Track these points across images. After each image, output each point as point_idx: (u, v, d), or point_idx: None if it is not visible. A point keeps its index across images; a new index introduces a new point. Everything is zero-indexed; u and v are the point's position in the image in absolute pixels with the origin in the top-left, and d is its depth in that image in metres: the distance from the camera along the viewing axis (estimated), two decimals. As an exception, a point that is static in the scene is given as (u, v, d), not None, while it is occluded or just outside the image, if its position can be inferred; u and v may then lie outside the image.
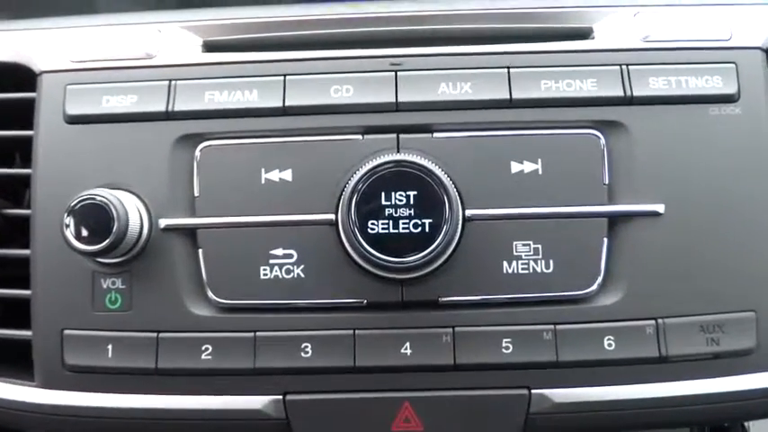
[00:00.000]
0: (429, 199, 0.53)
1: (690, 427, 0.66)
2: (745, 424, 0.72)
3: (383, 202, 0.53)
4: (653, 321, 0.57)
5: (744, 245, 0.58)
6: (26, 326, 0.62)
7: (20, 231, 0.64)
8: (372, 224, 0.53)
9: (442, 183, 0.53)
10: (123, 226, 0.56)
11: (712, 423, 0.64)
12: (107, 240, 0.55)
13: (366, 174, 0.53)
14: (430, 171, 0.54)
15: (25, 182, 0.64)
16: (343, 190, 0.55)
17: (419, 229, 0.53)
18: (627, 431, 0.62)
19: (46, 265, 0.60)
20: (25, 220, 0.63)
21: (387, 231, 0.53)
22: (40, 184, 0.61)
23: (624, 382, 0.57)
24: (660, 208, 0.58)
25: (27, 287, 0.61)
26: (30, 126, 0.64)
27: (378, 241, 0.53)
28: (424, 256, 0.52)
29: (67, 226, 0.55)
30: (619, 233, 0.58)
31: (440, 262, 0.57)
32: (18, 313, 0.63)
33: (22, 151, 0.68)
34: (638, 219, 0.58)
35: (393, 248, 0.53)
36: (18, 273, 0.63)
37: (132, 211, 0.58)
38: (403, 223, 0.53)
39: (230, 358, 0.58)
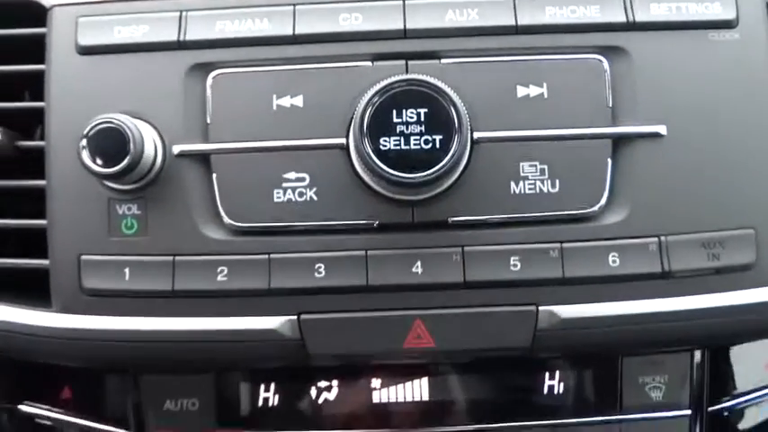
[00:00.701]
0: (439, 116, 0.55)
1: (691, 347, 0.68)
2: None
3: (394, 119, 0.54)
4: (656, 239, 0.59)
5: (743, 165, 0.60)
6: (43, 257, 0.63)
7: (33, 165, 0.65)
8: (384, 140, 0.54)
9: (451, 100, 0.55)
10: (139, 149, 0.57)
11: (714, 341, 0.65)
12: (123, 162, 0.56)
13: (379, 91, 0.55)
14: (440, 89, 0.55)
15: (37, 116, 0.65)
16: (354, 111, 0.57)
17: (429, 145, 0.54)
18: (631, 350, 0.64)
19: (62, 193, 0.61)
20: (38, 154, 0.64)
21: (398, 148, 0.54)
22: (54, 115, 0.62)
23: (628, 298, 0.59)
24: (662, 129, 0.60)
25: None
26: (40, 62, 0.65)
27: (389, 158, 0.54)
28: (434, 172, 0.54)
29: (84, 148, 0.56)
30: (622, 154, 0.60)
31: (449, 182, 0.59)
32: (33, 250, 0.65)
33: (32, 88, 0.69)
34: (641, 140, 0.60)
35: (404, 165, 0.54)
36: (31, 209, 0.65)
37: (147, 137, 0.59)
38: (414, 140, 0.54)
39: (245, 279, 0.59)
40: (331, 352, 0.60)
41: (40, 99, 0.64)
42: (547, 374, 0.70)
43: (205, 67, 0.61)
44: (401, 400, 0.71)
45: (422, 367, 0.70)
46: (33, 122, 0.68)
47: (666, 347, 0.64)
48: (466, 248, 0.59)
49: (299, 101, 0.60)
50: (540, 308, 0.59)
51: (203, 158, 0.60)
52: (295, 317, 0.60)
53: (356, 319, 0.60)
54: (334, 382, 0.70)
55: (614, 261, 0.59)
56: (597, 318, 0.60)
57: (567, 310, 0.59)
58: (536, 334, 0.60)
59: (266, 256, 0.60)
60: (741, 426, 0.72)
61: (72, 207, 0.61)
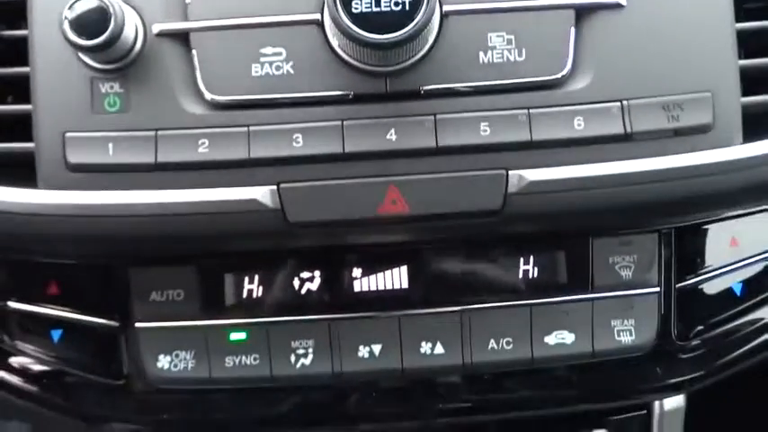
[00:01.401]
0: (408, -19, 0.58)
1: (656, 218, 0.71)
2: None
3: (366, -14, 0.57)
4: (618, 103, 0.62)
5: (700, 32, 0.63)
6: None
7: (16, 59, 0.67)
8: (356, 3, 0.57)
9: None
10: (120, 23, 0.59)
11: (677, 211, 0.68)
12: (104, 35, 0.58)
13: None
14: None
15: (20, 11, 0.67)
16: None
17: (399, 7, 0.56)
18: (598, 219, 0.67)
19: (46, 76, 0.63)
20: (22, 46, 0.66)
21: (369, 10, 0.57)
22: (36, 4, 0.64)
23: (593, 161, 0.62)
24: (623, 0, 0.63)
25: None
26: None
27: (361, 21, 0.56)
28: (405, 32, 0.56)
29: (66, 19, 0.58)
30: (585, 24, 0.62)
31: (421, 54, 0.61)
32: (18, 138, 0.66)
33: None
34: (602, 10, 0.62)
35: (375, 28, 0.57)
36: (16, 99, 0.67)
37: (128, 16, 0.61)
38: (384, 2, 0.57)
39: (226, 150, 0.61)
40: (310, 219, 0.62)
41: None
42: (521, 258, 0.73)
43: None
44: (382, 287, 0.74)
45: (400, 255, 0.72)
46: (16, 18, 0.70)
47: (633, 215, 0.67)
48: (438, 116, 0.62)
49: (275, -22, 0.63)
50: (510, 172, 0.62)
51: (183, 37, 0.62)
52: (275, 186, 0.62)
53: (333, 186, 0.61)
54: (316, 273, 0.73)
55: (579, 124, 0.62)
56: (563, 180, 0.62)
57: (536, 174, 0.62)
58: (506, 197, 0.62)
59: (245, 128, 0.61)
60: (707, 302, 0.75)
61: (56, 88, 0.63)
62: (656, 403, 0.79)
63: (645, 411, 0.79)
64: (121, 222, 0.63)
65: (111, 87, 0.63)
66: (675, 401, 0.79)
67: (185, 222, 0.63)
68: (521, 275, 0.73)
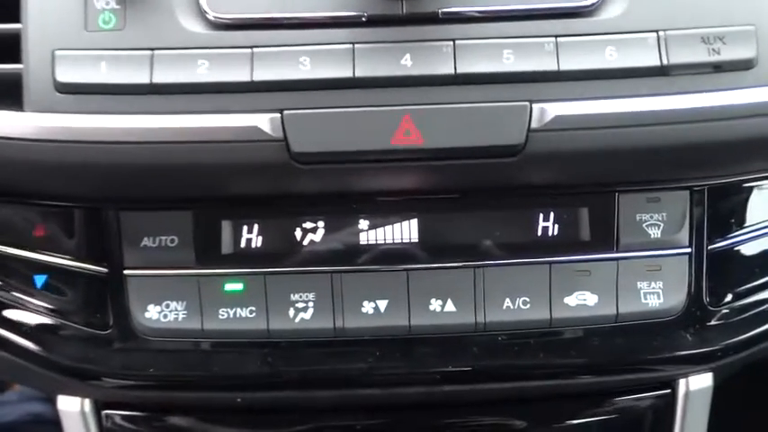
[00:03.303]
0: None
1: (688, 171, 0.65)
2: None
3: None
4: (654, 33, 0.57)
5: (743, -38, 0.59)
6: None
7: None
8: None
9: None
10: (118, -69, 0.55)
11: (713, 147, 0.61)
12: (101, -59, 0.55)
13: None
14: None
15: None
16: None
17: None
18: (627, 164, 0.62)
19: (36, -8, 0.60)
20: None
21: None
22: None
23: (625, 96, 0.57)
24: None
25: None
26: None
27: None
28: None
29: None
30: None
31: None
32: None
33: None
34: (639, -66, 0.59)
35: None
36: None
37: None
38: None
39: (226, 72, 0.56)
40: (315, 150, 0.57)
41: None
42: (541, 213, 0.68)
43: None
44: (389, 240, 0.68)
45: (410, 206, 0.67)
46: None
47: (664, 162, 0.62)
48: (457, 41, 0.57)
49: None
50: (534, 104, 0.57)
51: None
52: (278, 113, 0.57)
53: (342, 114, 0.57)
54: (320, 223, 0.68)
55: (611, 55, 0.56)
56: (592, 116, 0.57)
57: (562, 108, 0.57)
58: (529, 133, 0.58)
59: (249, 49, 0.57)
60: (741, 266, 0.69)
61: (48, 4, 0.58)
62: (681, 381, 0.73)
63: (669, 390, 0.74)
64: (112, 150, 0.58)
65: (107, 3, 0.58)
66: (702, 380, 0.73)
67: (180, 152, 0.58)
68: (540, 231, 0.67)
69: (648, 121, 0.57)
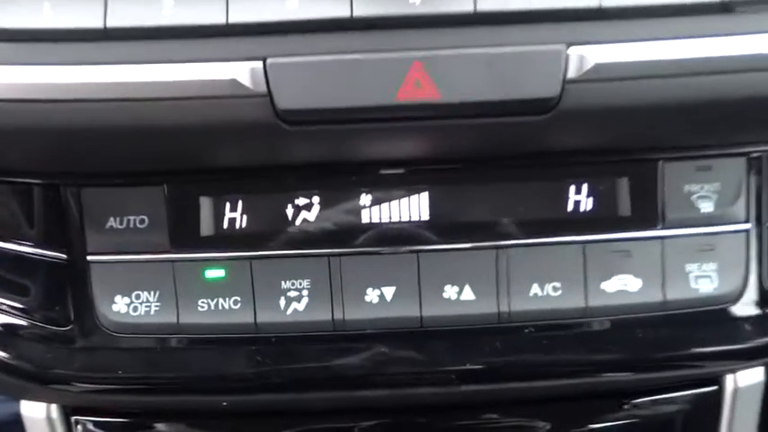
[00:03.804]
0: None
1: (747, 133, 0.56)
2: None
3: None
4: None
5: None
6: None
7: None
8: None
9: None
10: None
11: None
12: None
13: None
14: None
15: None
16: None
17: None
18: (679, 123, 0.52)
19: None
20: None
21: None
22: None
23: (679, 37, 0.47)
24: None
25: None
26: None
27: None
28: None
29: None
30: None
31: None
32: None
33: None
34: None
35: None
36: None
37: None
38: None
39: (197, 13, 0.46)
40: (305, 106, 0.47)
41: None
42: (573, 184, 0.58)
43: None
44: (396, 218, 0.59)
45: (420, 177, 0.58)
46: None
47: (722, 116, 0.52)
48: None
49: None
50: (571, 49, 0.47)
51: None
52: (260, 62, 0.47)
53: (337, 62, 0.47)
54: (315, 198, 0.59)
55: None
56: (639, 63, 0.47)
57: (604, 52, 0.47)
58: (564, 84, 0.48)
59: None
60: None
61: None
62: (729, 378, 0.64)
63: (715, 387, 0.65)
64: (59, 110, 0.48)
65: None
66: (752, 376, 0.64)
67: (142, 111, 0.48)
68: (572, 206, 0.58)
69: (708, 68, 0.47)
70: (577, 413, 0.64)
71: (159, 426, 0.64)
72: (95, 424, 0.63)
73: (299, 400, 0.60)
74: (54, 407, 0.64)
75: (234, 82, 0.47)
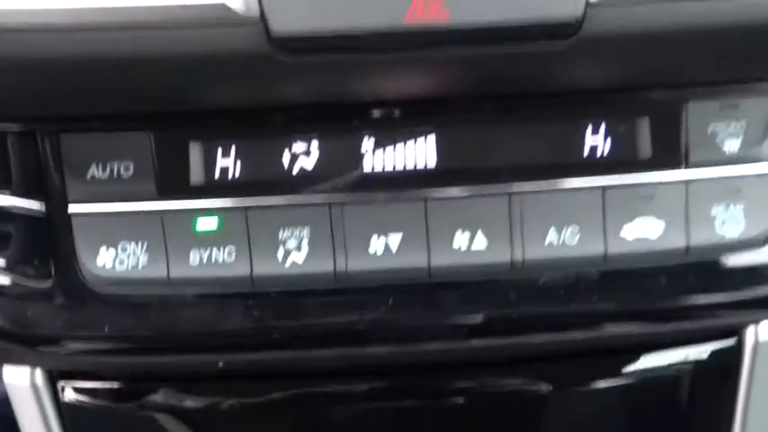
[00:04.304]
0: None
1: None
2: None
3: None
4: None
5: None
6: None
7: None
8: None
9: None
10: None
11: None
12: None
13: None
14: None
15: None
16: None
17: None
18: (708, 49, 0.48)
19: None
20: None
21: None
22: None
23: None
24: None
25: None
26: None
27: None
28: None
29: None
30: None
31: None
32: None
33: None
34: None
35: None
36: None
37: None
38: None
39: None
40: (302, 30, 0.43)
41: None
42: (591, 123, 0.54)
43: None
44: (401, 163, 0.55)
45: (427, 117, 0.53)
46: None
47: (753, 52, 0.47)
48: None
49: None
50: None
51: None
52: None
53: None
54: (313, 143, 0.55)
55: None
56: None
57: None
58: (588, 6, 0.44)
59: None
60: None
61: None
62: (750, 331, 0.61)
63: (734, 339, 0.62)
64: (34, 39, 0.44)
65: None
66: (774, 329, 0.63)
67: (124, 40, 0.44)
68: (590, 147, 0.54)
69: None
70: (591, 370, 0.61)
71: (151, 390, 0.61)
72: (83, 390, 0.60)
73: (299, 359, 0.57)
74: (39, 372, 0.59)
75: (222, 6, 0.43)
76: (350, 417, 0.61)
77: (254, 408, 0.60)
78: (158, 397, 0.60)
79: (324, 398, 0.60)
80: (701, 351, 0.61)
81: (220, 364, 0.56)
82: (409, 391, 0.58)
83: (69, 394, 0.59)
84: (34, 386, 0.59)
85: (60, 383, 0.59)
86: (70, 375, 0.59)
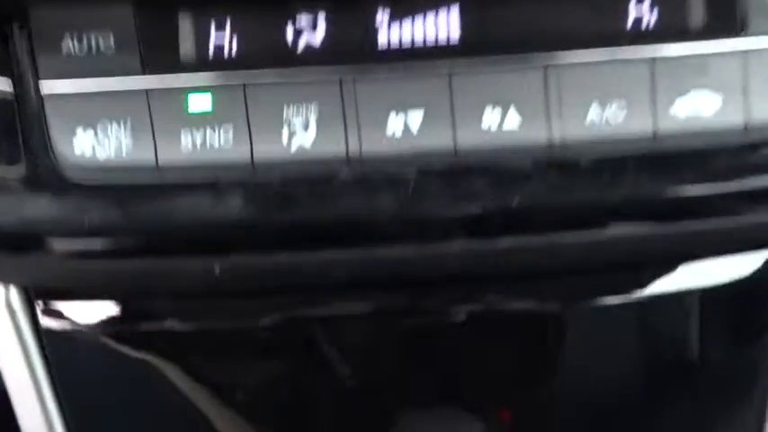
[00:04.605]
0: None
1: None
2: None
3: None
4: None
5: None
6: None
7: None
8: None
9: None
10: None
11: None
12: None
13: None
14: None
15: None
16: None
17: None
18: None
19: None
20: None
21: None
22: None
23: None
24: None
25: None
26: None
27: None
28: None
29: None
30: None
31: None
32: None
33: None
34: None
35: None
36: None
37: None
38: None
39: None
40: None
41: None
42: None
43: None
44: (422, 32, 0.48)
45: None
46: None
47: None
48: None
49: None
50: None
51: None
52: None
53: None
54: (320, 14, 0.47)
55: None
56: None
57: None
58: None
59: None
60: None
61: None
62: None
63: None
64: None
65: None
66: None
67: None
68: (637, 13, 0.47)
69: None
70: (628, 279, 0.56)
71: (139, 307, 0.55)
72: (62, 309, 0.53)
73: (306, 264, 0.51)
74: (13, 290, 0.53)
75: None
76: (364, 339, 0.55)
77: (253, 331, 0.54)
78: (147, 316, 0.54)
79: (331, 320, 0.54)
80: (751, 259, 0.55)
81: (217, 271, 0.50)
82: (432, 296, 0.52)
83: (48, 317, 0.53)
84: (9, 306, 0.53)
85: (37, 302, 0.53)
86: (49, 294, 0.53)
